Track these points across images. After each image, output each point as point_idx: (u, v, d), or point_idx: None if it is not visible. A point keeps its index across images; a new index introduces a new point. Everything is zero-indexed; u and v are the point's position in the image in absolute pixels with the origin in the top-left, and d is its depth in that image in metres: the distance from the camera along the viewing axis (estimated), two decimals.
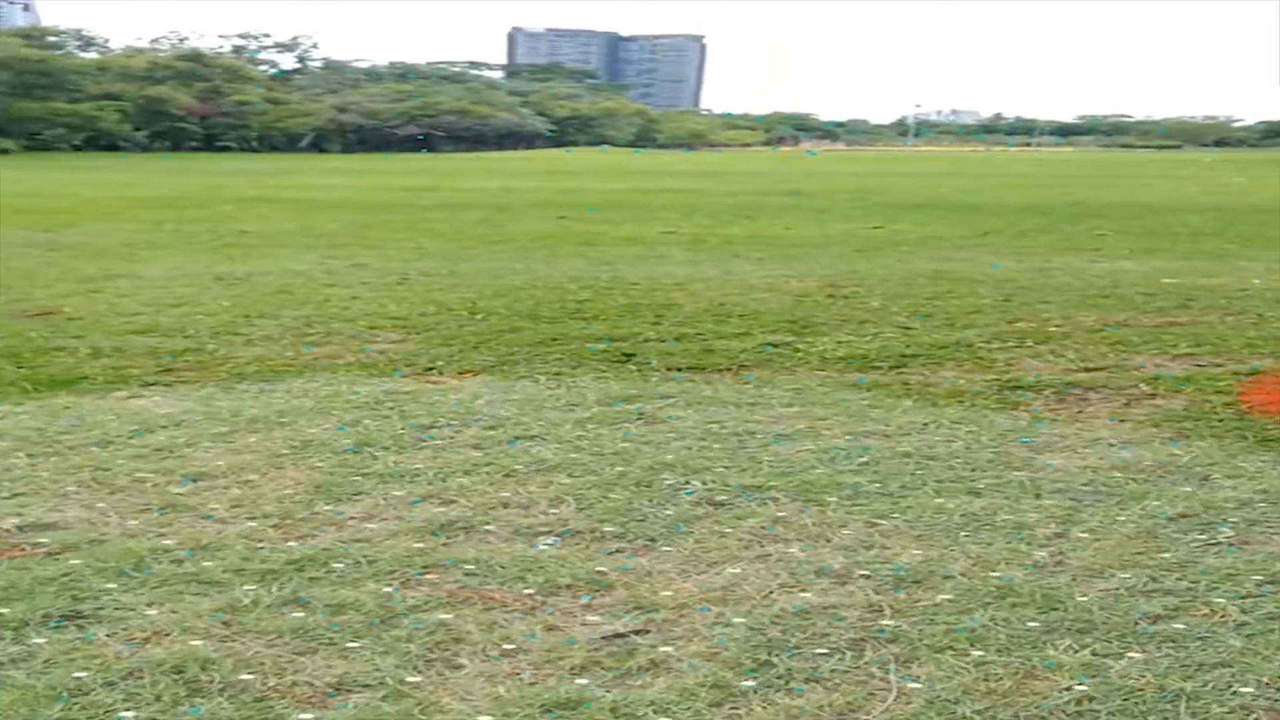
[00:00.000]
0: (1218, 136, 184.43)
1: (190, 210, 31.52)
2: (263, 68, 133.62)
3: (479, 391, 9.10)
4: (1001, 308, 12.85)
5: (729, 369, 9.75)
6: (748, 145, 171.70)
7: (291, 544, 5.83)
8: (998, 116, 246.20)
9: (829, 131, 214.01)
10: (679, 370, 9.74)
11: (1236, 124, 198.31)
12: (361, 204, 35.04)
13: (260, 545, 5.80)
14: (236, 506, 6.45)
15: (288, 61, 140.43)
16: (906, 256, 19.92)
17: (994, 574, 5.26)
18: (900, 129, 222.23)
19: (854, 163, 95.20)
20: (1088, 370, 9.45)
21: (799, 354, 10.28)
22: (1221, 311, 12.49)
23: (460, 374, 9.78)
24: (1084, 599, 4.97)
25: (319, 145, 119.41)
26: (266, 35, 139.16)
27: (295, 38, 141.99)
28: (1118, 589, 5.09)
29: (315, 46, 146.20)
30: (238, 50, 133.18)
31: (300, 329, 11.92)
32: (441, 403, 8.73)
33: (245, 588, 5.18)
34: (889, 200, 37.61)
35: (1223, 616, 4.80)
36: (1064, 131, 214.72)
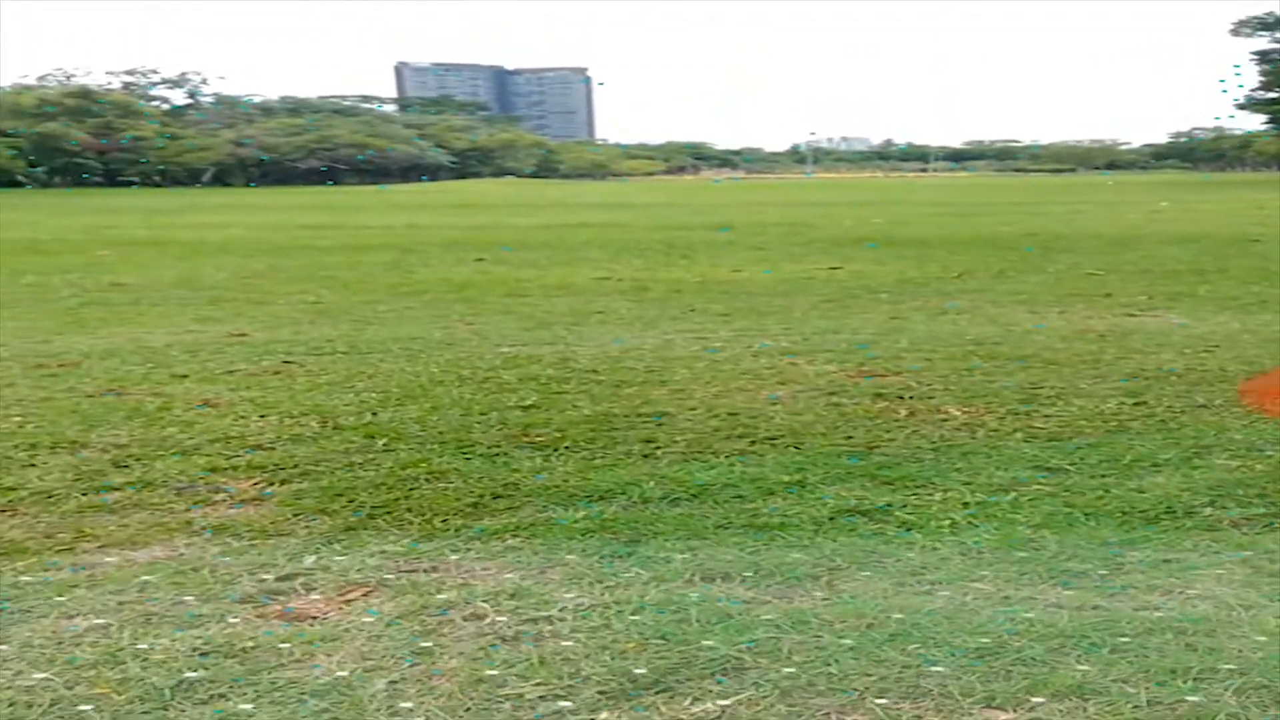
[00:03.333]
0: (1108, 159, 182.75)
1: (64, 256, 26.60)
2: (155, 103, 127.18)
3: (371, 650, 4.69)
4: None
5: (807, 578, 5.38)
6: (650, 174, 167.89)
7: None
8: (888, 143, 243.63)
9: (727, 160, 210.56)
10: (722, 579, 5.38)
11: (1124, 146, 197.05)
12: (256, 245, 30.30)
13: None
14: None
15: (178, 98, 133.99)
16: (898, 309, 15.84)
17: None
18: (796, 156, 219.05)
19: (762, 191, 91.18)
20: None
21: (908, 527, 5.94)
22: None
23: (342, 592, 5.37)
24: None
25: (221, 179, 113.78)
26: (154, 71, 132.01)
27: (183, 74, 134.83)
28: None
29: (204, 83, 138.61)
30: (127, 87, 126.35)
31: (105, 472, 7.42)
32: (293, 689, 4.34)
33: None
34: (827, 234, 33.52)
35: None
36: (956, 157, 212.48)
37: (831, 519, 6.12)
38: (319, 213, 51.23)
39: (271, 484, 7.12)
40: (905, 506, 6.29)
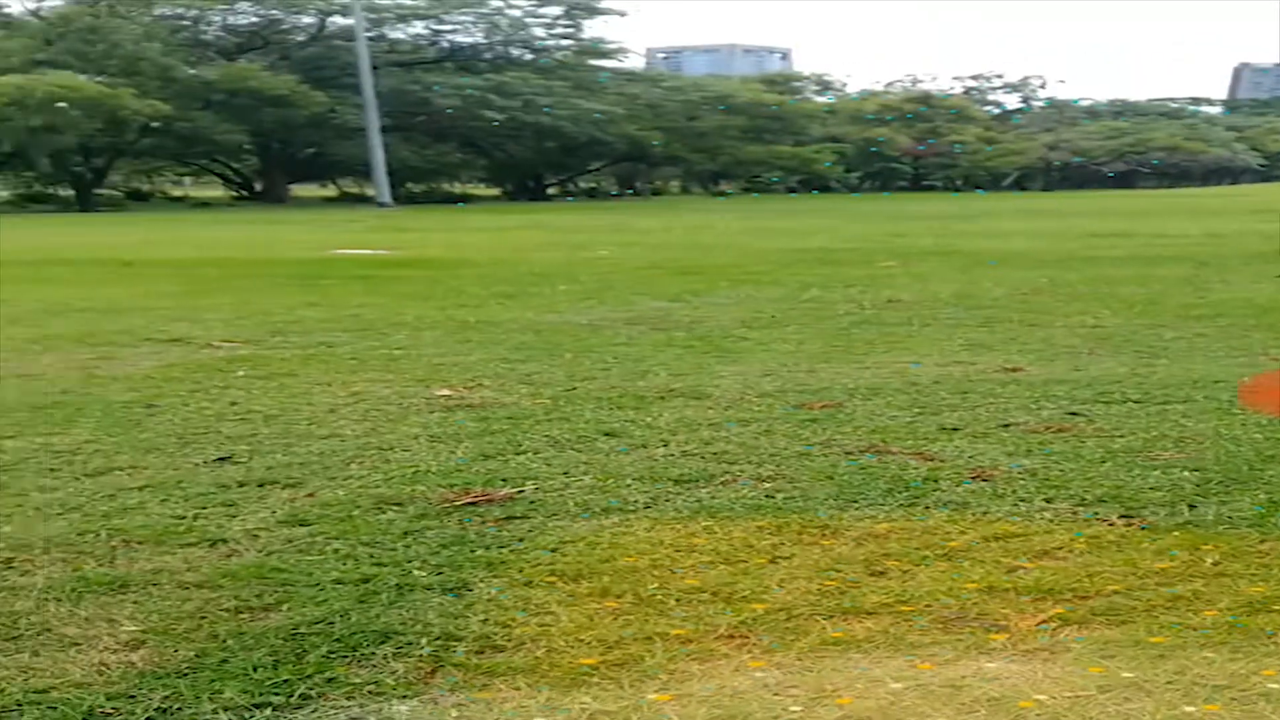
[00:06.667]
0: None
1: (850, 268, 24.54)
2: (987, 109, 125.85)
3: None
4: None
5: None
6: None
7: None
8: None
9: None
10: None
11: None
12: (1040, 256, 27.56)
13: None
14: None
15: (1012, 102, 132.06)
16: None
17: None
18: None
19: None
20: None
21: None
22: None
23: None
24: None
25: (1021, 184, 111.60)
26: (998, 76, 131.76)
27: (1025, 78, 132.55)
28: None
29: (1042, 86, 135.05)
30: (968, 92, 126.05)
31: (859, 582, 5.81)
32: None
33: None
34: None
35: None
36: None
37: None
38: (1111, 219, 47.75)
39: (1067, 624, 5.17)
40: None
